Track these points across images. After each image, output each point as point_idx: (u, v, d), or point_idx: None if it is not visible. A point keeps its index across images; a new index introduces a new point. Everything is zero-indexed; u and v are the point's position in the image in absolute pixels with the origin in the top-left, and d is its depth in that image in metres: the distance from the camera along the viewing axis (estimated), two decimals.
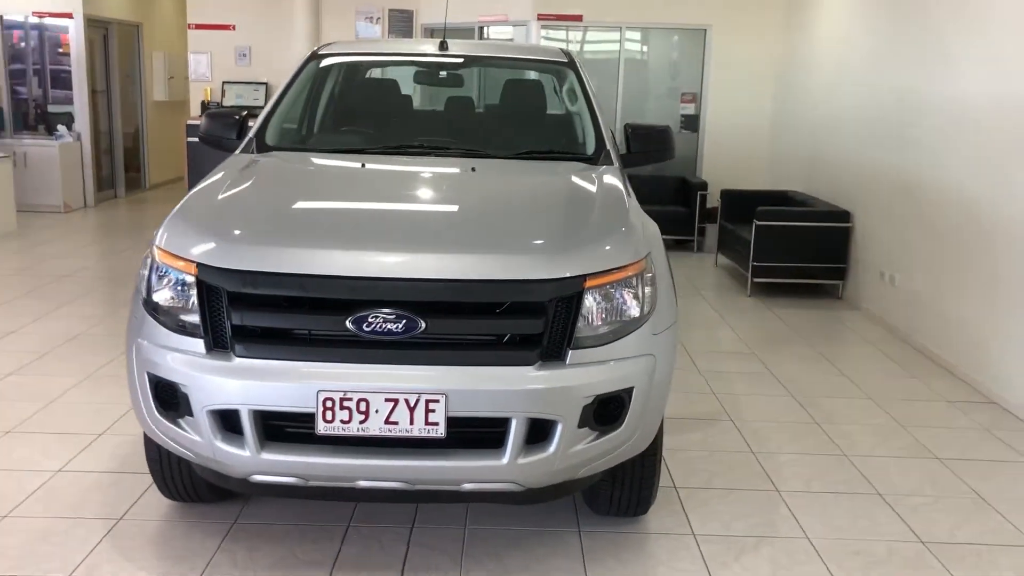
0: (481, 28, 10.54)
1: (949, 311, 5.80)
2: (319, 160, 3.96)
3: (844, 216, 7.52)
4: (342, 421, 2.71)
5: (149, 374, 2.90)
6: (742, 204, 8.42)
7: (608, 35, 10.08)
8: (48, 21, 11.40)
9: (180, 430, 2.89)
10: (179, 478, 3.34)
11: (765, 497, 3.85)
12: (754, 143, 10.05)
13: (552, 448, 2.81)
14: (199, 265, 2.83)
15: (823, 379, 5.50)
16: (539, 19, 9.84)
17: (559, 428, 2.80)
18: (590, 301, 2.86)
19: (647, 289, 3.01)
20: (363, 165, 3.70)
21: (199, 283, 2.82)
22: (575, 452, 2.86)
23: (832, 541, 3.50)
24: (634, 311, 2.95)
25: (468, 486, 2.84)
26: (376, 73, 4.90)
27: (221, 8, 11.31)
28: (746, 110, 10.00)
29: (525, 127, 4.38)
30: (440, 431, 2.72)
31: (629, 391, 2.91)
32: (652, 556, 3.34)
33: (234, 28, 11.31)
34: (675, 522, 3.60)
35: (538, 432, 2.81)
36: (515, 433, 2.76)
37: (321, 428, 2.71)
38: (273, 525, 3.45)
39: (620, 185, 3.57)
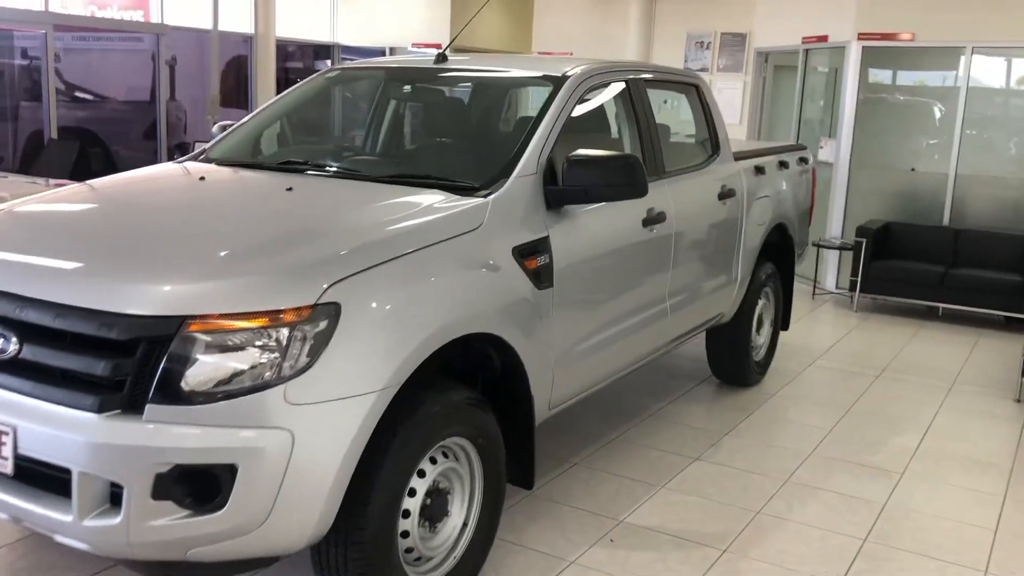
0: (806, 52, 9.32)
1: None
2: (190, 169, 3.74)
3: None
4: None
5: None
6: None
7: (946, 58, 8.25)
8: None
9: None
10: None
11: None
12: None
13: (120, 517, 2.39)
14: None
15: (942, 524, 3.88)
16: (859, 39, 8.39)
17: (125, 494, 2.37)
18: (190, 347, 2.37)
19: (299, 345, 2.42)
20: (201, 179, 3.48)
21: None
22: (157, 528, 2.40)
23: None
24: (258, 370, 2.38)
25: (60, 538, 2.54)
26: (348, 91, 4.58)
27: (561, 36, 11.54)
28: None
29: (433, 149, 3.78)
30: (8, 467, 2.48)
31: (230, 468, 2.36)
32: None
33: (571, 54, 11.45)
34: None
35: (117, 495, 2.41)
36: (77, 489, 2.41)
37: None
38: None
39: (429, 221, 2.92)
